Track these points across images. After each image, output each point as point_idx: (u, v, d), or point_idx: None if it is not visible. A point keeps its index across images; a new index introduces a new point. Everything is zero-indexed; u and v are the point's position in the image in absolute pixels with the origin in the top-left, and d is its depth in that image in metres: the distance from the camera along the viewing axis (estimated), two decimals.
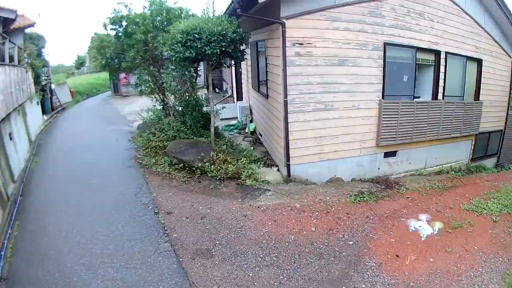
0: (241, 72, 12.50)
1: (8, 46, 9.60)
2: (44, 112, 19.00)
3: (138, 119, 13.55)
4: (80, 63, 50.77)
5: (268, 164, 8.30)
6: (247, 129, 10.64)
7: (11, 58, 10.97)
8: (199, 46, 6.41)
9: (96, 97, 27.61)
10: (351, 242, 5.14)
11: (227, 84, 18.17)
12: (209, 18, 7.22)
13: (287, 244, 5.21)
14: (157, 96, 10.48)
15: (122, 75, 22.26)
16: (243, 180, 7.19)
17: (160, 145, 8.83)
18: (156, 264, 5.02)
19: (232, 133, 10.99)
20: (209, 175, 7.50)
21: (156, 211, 6.48)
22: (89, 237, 5.89)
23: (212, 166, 7.35)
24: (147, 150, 9.15)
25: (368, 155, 7.43)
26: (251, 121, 10.76)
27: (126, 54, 9.75)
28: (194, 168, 7.56)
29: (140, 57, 9.36)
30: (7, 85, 8.87)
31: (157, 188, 7.36)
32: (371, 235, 5.29)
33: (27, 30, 15.75)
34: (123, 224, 6.19)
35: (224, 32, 6.50)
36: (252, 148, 9.41)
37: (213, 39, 6.41)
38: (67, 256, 5.46)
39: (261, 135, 9.81)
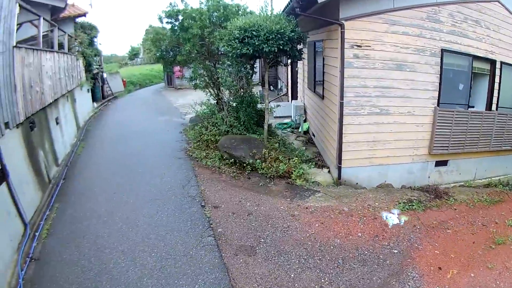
0: (297, 71, 12.59)
1: (58, 33, 9.84)
2: (94, 99, 19.89)
3: (191, 111, 13.40)
4: (133, 54, 52.78)
5: (319, 165, 8.11)
6: (300, 128, 10.47)
7: (61, 46, 11.35)
8: (256, 43, 6.44)
9: (149, 88, 28.36)
10: (395, 251, 5.01)
11: (282, 82, 17.89)
12: (267, 16, 7.18)
13: (332, 247, 5.10)
14: (211, 90, 10.47)
15: (177, 67, 22.73)
16: (293, 180, 7.07)
17: (212, 139, 8.74)
18: (197, 257, 4.89)
19: (285, 131, 10.78)
20: (259, 172, 7.36)
21: (202, 204, 6.38)
22: (131, 224, 5.82)
23: (263, 164, 7.27)
24: (198, 143, 9.07)
25: (419, 163, 7.33)
26: (304, 121, 10.58)
27: (181, 47, 9.86)
28: (244, 164, 7.48)
29: (196, 51, 9.50)
30: (56, 71, 9.12)
31: (205, 181, 7.25)
32: (416, 245, 5.15)
33: (78, 20, 16.38)
34: (167, 214, 6.08)
35: (282, 30, 6.52)
36: (304, 148, 9.17)
37: (271, 37, 6.45)
38: (105, 241, 5.41)
39: (313, 136, 9.72)
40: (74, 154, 9.93)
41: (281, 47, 6.58)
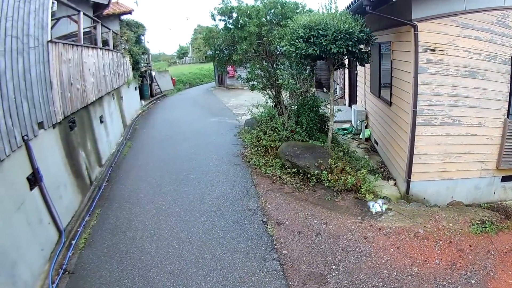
0: (356, 74, 11.82)
1: (101, 30, 9.68)
2: (143, 97, 20.21)
3: (245, 113, 13.06)
4: (182, 53, 54.07)
5: (384, 176, 7.33)
6: (361, 135, 9.68)
7: (106, 43, 11.29)
8: (324, 43, 5.95)
9: (199, 87, 28.39)
10: (473, 281, 4.43)
11: (337, 84, 16.86)
12: (332, 14, 6.60)
13: (409, 277, 4.39)
14: (269, 92, 9.85)
15: (228, 67, 22.47)
16: (362, 195, 6.34)
17: (272, 145, 8.06)
18: (260, 285, 4.21)
19: (346, 137, 9.96)
20: (325, 184, 6.58)
21: (264, 220, 5.66)
22: (182, 240, 5.19)
23: (329, 175, 6.57)
24: (256, 149, 8.39)
25: (486, 178, 6.81)
26: (366, 127, 9.69)
27: (237, 46, 9.37)
28: (309, 175, 6.75)
29: (252, 51, 8.87)
30: (100, 68, 8.94)
31: (266, 192, 6.53)
32: (491, 274, 4.58)
33: (124, 17, 16.52)
34: (224, 231, 5.38)
35: (351, 30, 6.04)
36: (367, 156, 8.36)
37: (339, 37, 5.98)
38: (152, 258, 4.84)
39: (376, 143, 9.02)
40: (120, 154, 9.74)
41: (349, 48, 6.11)
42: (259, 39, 9.03)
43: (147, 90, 20.96)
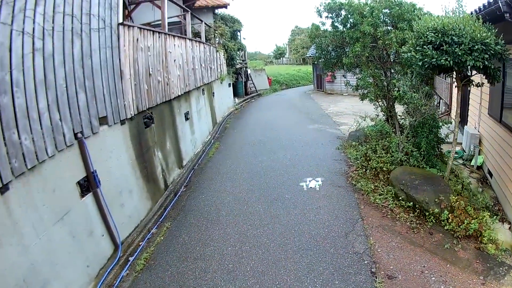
0: (469, 91, 9.44)
1: (192, 21, 9.09)
2: (236, 95, 19.95)
3: (347, 122, 11.99)
4: (279, 53, 54.38)
5: (499, 217, 5.54)
6: (473, 161, 7.82)
7: (197, 35, 10.79)
8: (459, 54, 4.84)
9: (296, 89, 27.36)
10: None
11: (439, 98, 13.94)
12: (466, 17, 5.32)
13: None
14: (381, 104, 8.36)
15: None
16: (484, 245, 4.72)
17: (384, 168, 6.65)
18: None
19: (456, 162, 7.89)
20: (444, 227, 4.99)
21: (373, 270, 4.18)
22: (269, 285, 3.95)
23: (450, 216, 5.12)
24: (363, 170, 6.97)
25: None
26: (478, 153, 7.84)
27: (346, 48, 8.22)
28: (427, 214, 5.31)
29: (366, 55, 7.49)
30: (188, 60, 8.33)
31: (375, 230, 5.03)
32: None
33: (218, 11, 16.21)
34: (323, 280, 3.96)
35: (487, 40, 4.85)
36: (480, 189, 6.66)
37: (475, 47, 4.84)
38: None
39: (490, 175, 7.24)
40: (205, 156, 9.04)
41: (485, 62, 4.95)
42: (373, 41, 7.62)
43: (241, 88, 20.64)
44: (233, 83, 17.65)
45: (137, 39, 5.27)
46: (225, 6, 15.53)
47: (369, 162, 7.05)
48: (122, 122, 4.85)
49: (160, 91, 6.32)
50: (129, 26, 5.00)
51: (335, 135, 10.57)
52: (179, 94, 7.51)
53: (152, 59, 5.91)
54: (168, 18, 9.05)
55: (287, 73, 31.27)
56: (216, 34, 13.87)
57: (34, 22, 3.15)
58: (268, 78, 26.28)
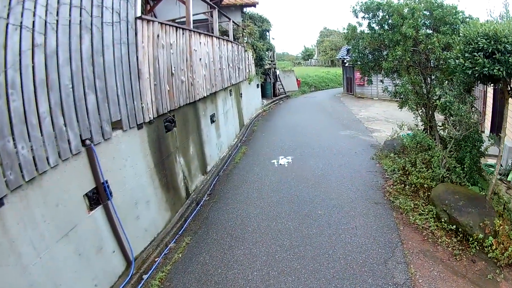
0: (505, 100, 8.27)
1: (219, 19, 8.67)
2: (264, 96, 19.43)
3: (379, 129, 11.41)
4: (307, 55, 53.64)
5: None
6: (509, 176, 7.04)
7: (225, 33, 10.36)
8: None
9: (325, 92, 26.53)
10: None
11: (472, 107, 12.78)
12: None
13: None
14: (421, 113, 7.61)
15: (358, 73, 20.17)
16: None
17: (424, 184, 5.99)
18: None
19: (491, 177, 6.98)
20: (488, 254, 4.36)
21: None
22: None
23: (493, 241, 4.55)
24: (401, 185, 6.23)
25: None
26: None
27: (385, 51, 7.51)
28: (471, 239, 4.71)
29: (408, 59, 6.79)
30: (215, 59, 7.90)
31: (416, 256, 4.37)
32: None
33: (247, 10, 15.77)
34: None
35: None
36: None
37: None
38: None
39: None
40: (231, 160, 8.57)
41: None
42: (414, 45, 6.91)
43: (269, 89, 20.11)
44: (261, 84, 17.15)
45: (158, 35, 4.85)
46: (253, 4, 15.07)
47: (408, 177, 6.34)
48: (139, 127, 4.45)
49: (184, 92, 5.91)
50: (148, 21, 4.59)
51: (368, 143, 9.77)
52: (205, 95, 7.08)
53: (175, 57, 5.49)
54: (193, 15, 8.69)
55: (316, 75, 30.52)
56: (244, 33, 13.42)
57: (34, 15, 2.77)
58: (297, 79, 25.60)
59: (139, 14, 4.35)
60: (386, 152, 8.22)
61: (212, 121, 7.84)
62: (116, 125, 3.97)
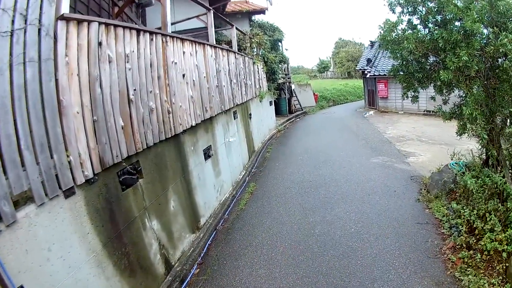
0: None
1: (220, 27, 7.09)
2: (279, 113, 17.77)
3: (415, 152, 9.89)
4: (323, 67, 52.78)
5: None
6: None
7: (229, 44, 8.82)
8: None
9: (345, 106, 24.75)
10: None
11: None
12: None
13: None
14: (484, 138, 5.29)
15: (380, 85, 18.44)
16: None
17: (499, 248, 4.09)
18: None
19: None
20: None
21: None
22: None
23: None
24: (468, 251, 4.40)
25: None
26: None
27: (441, 56, 5.40)
28: None
29: (475, 67, 4.84)
30: (209, 74, 6.27)
31: None
32: None
33: (255, 18, 14.41)
34: None
35: None
36: None
37: None
38: None
39: None
40: (234, 205, 6.86)
41: None
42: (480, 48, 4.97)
43: (284, 106, 18.46)
44: (274, 101, 15.53)
45: (101, 43, 3.24)
46: (262, 11, 13.63)
47: (477, 238, 4.46)
48: (68, 193, 2.80)
49: (155, 125, 4.26)
50: (80, 21, 2.99)
51: (407, 174, 7.89)
52: (193, 124, 5.42)
53: (135, 74, 3.86)
54: (184, 20, 7.20)
55: (333, 88, 28.93)
56: (252, 43, 11.89)
57: None
58: (314, 94, 23.93)
59: (62, 11, 2.76)
60: (435, 192, 6.31)
61: (208, 157, 6.17)
62: (24, 199, 2.35)
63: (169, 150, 4.74)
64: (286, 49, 20.81)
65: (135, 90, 3.85)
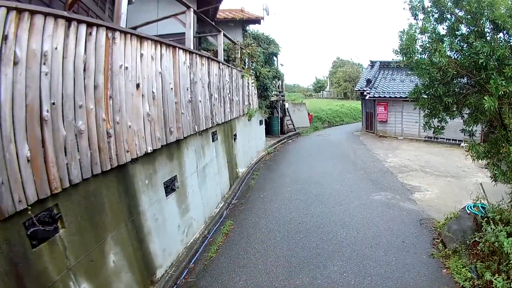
0: None
1: (201, 28, 6.05)
2: (270, 133, 16.72)
3: (420, 186, 8.94)
4: (318, 86, 52.73)
5: None
6: None
7: (215, 53, 7.79)
8: None
9: (340, 129, 23.83)
10: None
11: None
12: None
13: None
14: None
15: (380, 108, 17.76)
16: None
17: None
18: None
19: None
20: None
21: None
22: None
23: None
24: None
25: None
26: None
27: (482, 75, 4.24)
28: None
29: None
30: (177, 85, 5.10)
31: None
32: None
33: (250, 28, 13.53)
34: None
35: None
36: None
37: None
38: None
39: None
40: (205, 249, 5.66)
41: None
42: None
43: (276, 125, 17.44)
44: (266, 120, 14.51)
45: (6, 36, 2.17)
46: (257, 21, 12.76)
47: None
48: None
49: (85, 153, 3.10)
50: None
51: (415, 216, 6.83)
52: (148, 150, 4.24)
53: (55, 81, 2.71)
54: (159, 19, 6.18)
55: (329, 109, 28.06)
56: (243, 55, 10.91)
57: None
58: (308, 114, 23.06)
59: None
60: (453, 246, 5.19)
61: (171, 191, 4.99)
62: None
63: (108, 187, 3.55)
64: (282, 65, 19.97)
65: (54, 104, 2.72)
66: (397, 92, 17.09)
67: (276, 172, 10.72)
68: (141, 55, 4.04)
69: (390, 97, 17.13)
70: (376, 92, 17.87)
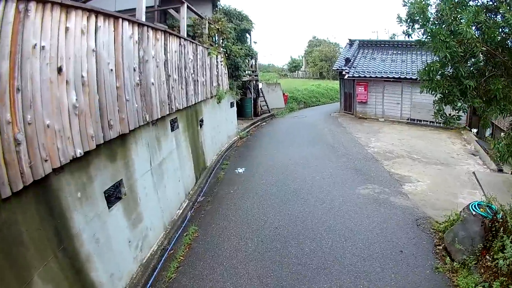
0: None
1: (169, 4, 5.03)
2: (242, 116, 15.89)
3: (410, 176, 8.41)
4: (293, 66, 52.21)
5: None
6: None
7: (173, 27, 6.75)
8: None
9: (317, 109, 23.09)
10: None
11: None
12: None
13: None
14: None
15: (360, 88, 17.14)
16: None
17: None
18: None
19: None
20: None
21: None
22: None
23: None
24: None
25: None
26: None
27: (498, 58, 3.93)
28: None
29: None
30: (116, 63, 4.11)
31: None
32: None
33: (221, 3, 12.61)
34: None
35: None
36: None
37: None
38: None
39: None
40: (164, 267, 4.86)
41: None
42: None
43: (249, 107, 16.56)
44: (237, 102, 13.60)
45: None
46: None
47: None
48: None
49: None
50: None
51: (410, 215, 6.30)
52: (77, 154, 3.30)
53: None
54: None
55: (305, 89, 27.32)
56: (212, 30, 9.84)
57: None
58: (283, 94, 22.27)
59: None
60: (461, 258, 4.64)
61: (115, 200, 4.11)
62: None
63: (25, 211, 2.68)
64: (255, 42, 18.94)
65: None
66: (378, 72, 16.53)
67: (248, 161, 9.94)
68: (67, 29, 3.05)
69: (370, 77, 16.55)
70: (356, 71, 17.24)
